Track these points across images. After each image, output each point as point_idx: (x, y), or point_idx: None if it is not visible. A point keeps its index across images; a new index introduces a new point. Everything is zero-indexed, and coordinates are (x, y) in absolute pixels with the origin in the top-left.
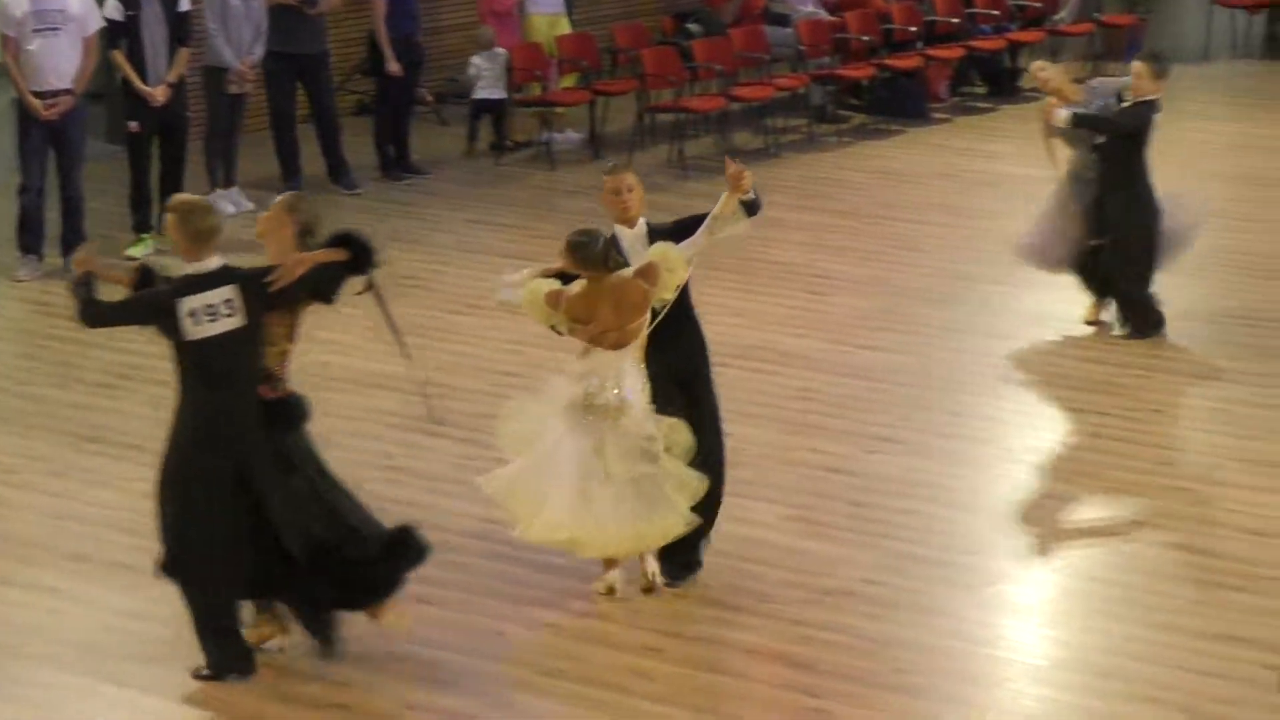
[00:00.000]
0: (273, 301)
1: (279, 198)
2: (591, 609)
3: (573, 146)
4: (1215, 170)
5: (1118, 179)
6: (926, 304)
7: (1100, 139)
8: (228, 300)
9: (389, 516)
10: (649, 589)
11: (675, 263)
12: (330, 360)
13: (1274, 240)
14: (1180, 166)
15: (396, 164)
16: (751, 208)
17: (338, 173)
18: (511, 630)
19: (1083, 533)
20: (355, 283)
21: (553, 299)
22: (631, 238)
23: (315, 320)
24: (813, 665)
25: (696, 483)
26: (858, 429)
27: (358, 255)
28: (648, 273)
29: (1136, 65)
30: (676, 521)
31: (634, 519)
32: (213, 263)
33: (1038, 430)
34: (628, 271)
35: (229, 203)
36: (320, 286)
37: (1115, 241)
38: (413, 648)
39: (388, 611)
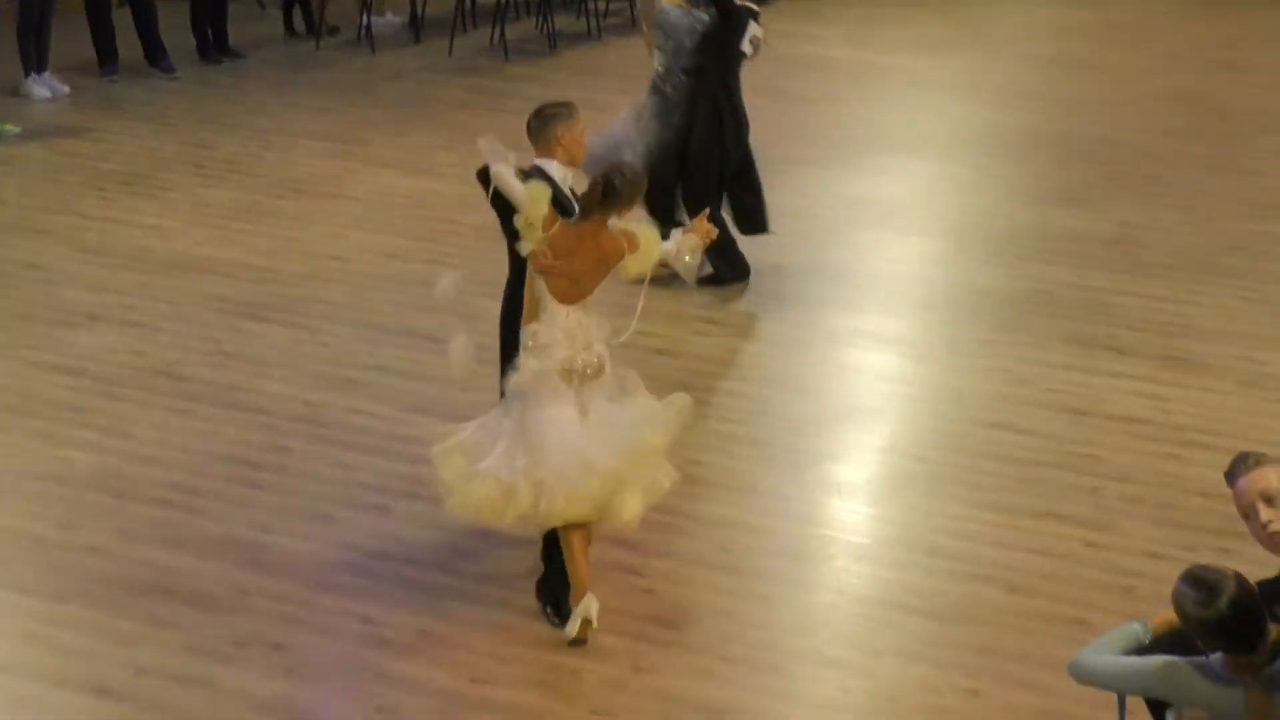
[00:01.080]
0: None
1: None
2: (420, 491)
3: (393, 30)
4: (1036, 53)
5: (699, 99)
6: None
7: (689, 64)
8: None
9: (214, 400)
10: (581, 640)
11: (652, 251)
12: (154, 245)
13: (1093, 121)
14: (1001, 49)
15: (214, 47)
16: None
17: (154, 56)
18: (339, 513)
19: (906, 412)
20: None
21: (549, 218)
22: (562, 176)
23: (137, 203)
24: (639, 545)
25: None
26: (682, 311)
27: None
28: (631, 239)
29: None
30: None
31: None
32: None
33: (862, 312)
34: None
35: (44, 88)
36: None
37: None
38: (242, 531)
39: None
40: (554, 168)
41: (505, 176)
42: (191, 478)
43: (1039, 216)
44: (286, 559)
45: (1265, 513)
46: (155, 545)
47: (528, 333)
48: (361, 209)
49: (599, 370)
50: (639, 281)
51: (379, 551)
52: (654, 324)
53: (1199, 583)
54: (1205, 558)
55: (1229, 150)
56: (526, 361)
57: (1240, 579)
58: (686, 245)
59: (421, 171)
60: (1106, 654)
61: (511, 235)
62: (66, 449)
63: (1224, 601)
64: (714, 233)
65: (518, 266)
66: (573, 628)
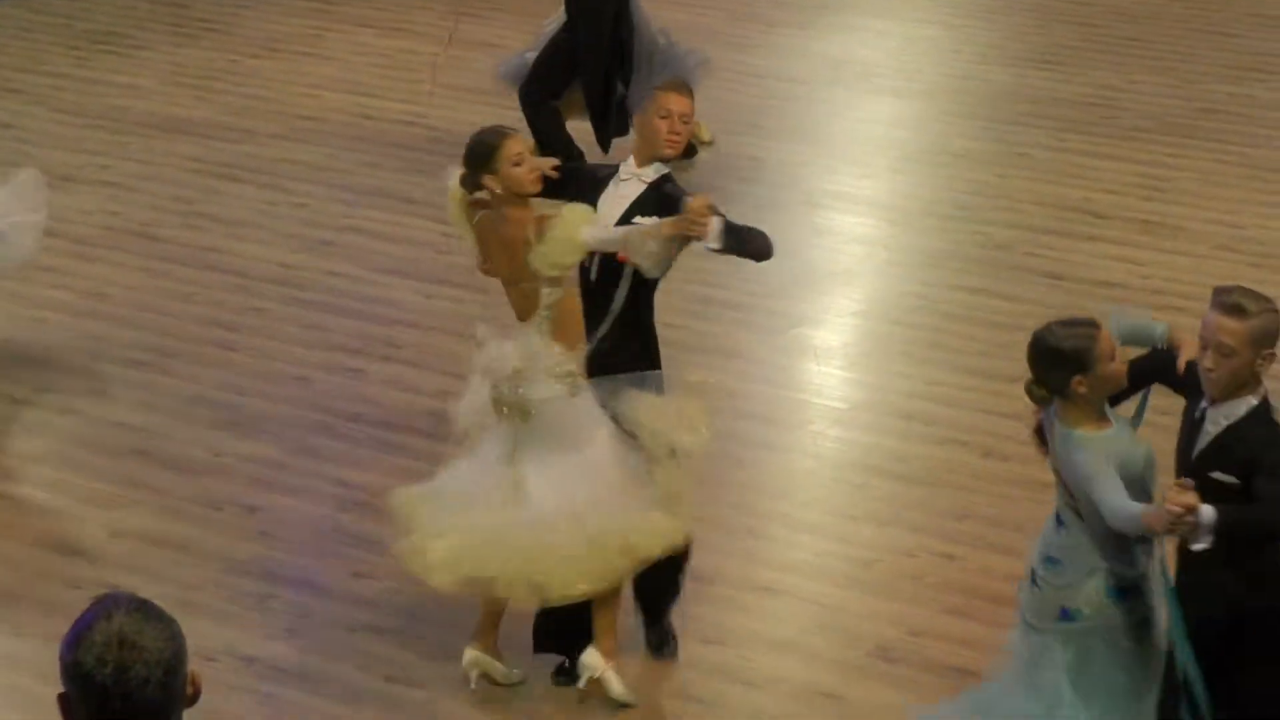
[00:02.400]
0: None
1: None
2: (395, 354)
3: None
4: None
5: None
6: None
7: None
8: None
9: (189, 261)
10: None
11: (573, 230)
12: (130, 104)
13: None
14: None
15: None
16: (730, 243)
17: None
18: (314, 376)
19: (883, 276)
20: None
21: (476, 204)
22: (617, 195)
23: (111, 63)
24: None
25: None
26: None
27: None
28: (538, 222)
29: None
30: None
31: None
32: None
33: (838, 175)
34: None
35: None
36: None
37: None
38: (216, 392)
39: None
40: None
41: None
42: (166, 339)
43: (1016, 78)
44: (261, 421)
45: (1213, 359)
46: (130, 407)
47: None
48: (337, 69)
49: (520, 410)
50: (554, 283)
51: (354, 414)
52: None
53: (1066, 321)
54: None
55: (1207, 12)
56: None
57: (1061, 344)
58: (651, 231)
59: (398, 30)
60: (1119, 326)
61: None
62: (40, 310)
63: (1040, 333)
64: (706, 214)
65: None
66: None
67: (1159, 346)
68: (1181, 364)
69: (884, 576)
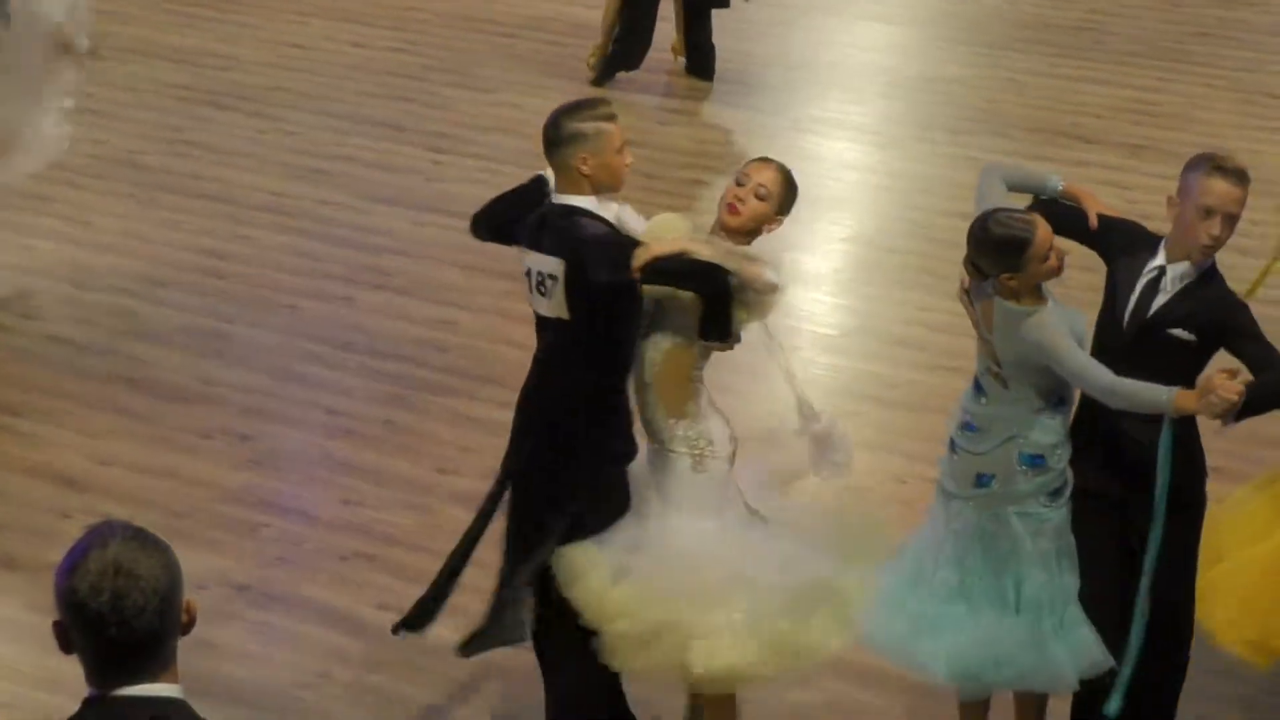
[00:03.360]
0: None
1: None
2: (385, 283)
3: None
4: None
5: None
6: None
7: None
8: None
9: (177, 189)
10: None
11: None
12: (115, 30)
13: None
14: None
15: None
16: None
17: None
18: (304, 304)
19: (873, 202)
20: None
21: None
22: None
23: None
24: None
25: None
26: (650, 100)
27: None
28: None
29: None
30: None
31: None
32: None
33: (827, 100)
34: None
35: None
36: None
37: None
38: (205, 321)
39: None
40: (590, 204)
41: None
42: (154, 268)
43: (1007, 3)
44: (251, 350)
45: (1223, 229)
46: (118, 336)
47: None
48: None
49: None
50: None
51: (344, 342)
52: (618, 112)
53: (1013, 215)
54: None
55: None
56: (701, 458)
57: (1013, 234)
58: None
59: None
60: (1001, 178)
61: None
62: (28, 238)
63: (980, 224)
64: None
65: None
66: None
67: (1053, 197)
68: (1093, 219)
69: (878, 503)
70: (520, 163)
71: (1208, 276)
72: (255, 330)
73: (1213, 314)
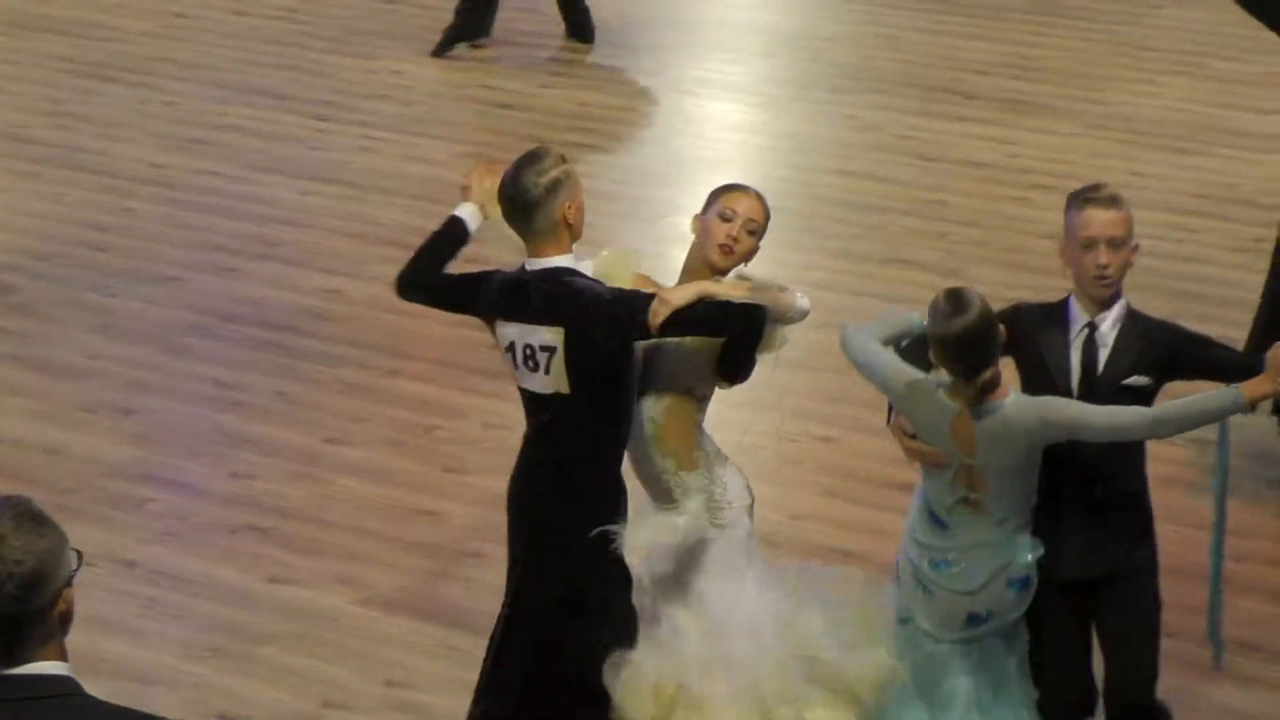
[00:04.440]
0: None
1: None
2: (271, 253)
3: None
4: None
5: None
6: None
7: None
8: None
9: (59, 162)
10: None
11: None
12: None
13: None
14: None
15: None
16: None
17: None
18: (189, 276)
19: (755, 161)
20: None
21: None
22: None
23: None
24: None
25: None
26: (529, 63)
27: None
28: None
29: None
30: None
31: None
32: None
33: (708, 61)
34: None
35: None
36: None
37: None
38: (89, 295)
39: None
40: (585, 265)
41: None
42: (37, 241)
43: None
44: (136, 323)
45: (1107, 255)
46: (0, 311)
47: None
48: None
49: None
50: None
51: (230, 314)
52: (498, 77)
53: (952, 297)
54: (1053, 298)
55: None
56: (718, 507)
57: (986, 313)
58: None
59: None
60: (871, 337)
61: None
62: None
63: (959, 323)
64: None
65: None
66: None
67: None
68: (1002, 332)
69: (767, 462)
70: (402, 128)
71: (1135, 317)
72: (140, 303)
73: (1161, 348)
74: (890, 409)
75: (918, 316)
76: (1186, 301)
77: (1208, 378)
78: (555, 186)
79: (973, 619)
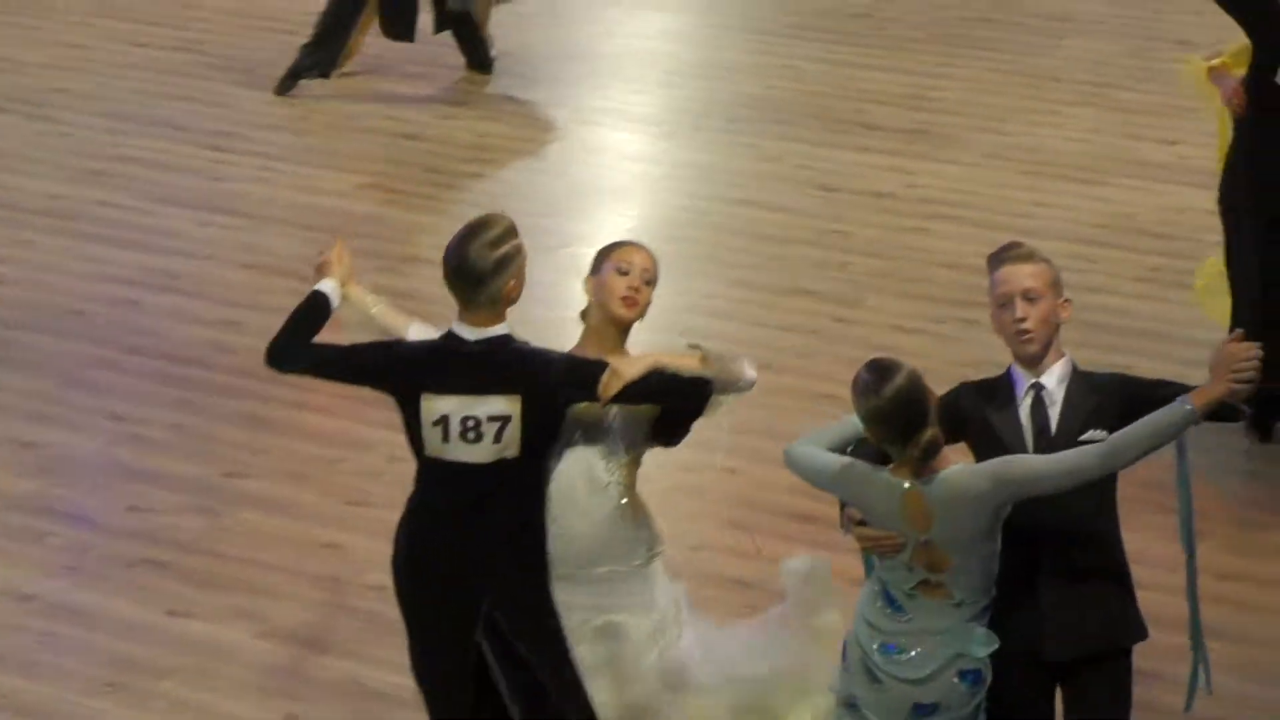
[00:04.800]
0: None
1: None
2: (173, 285)
3: None
4: None
5: None
6: None
7: None
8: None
9: None
10: None
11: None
12: None
13: None
14: None
15: None
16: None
17: None
18: (89, 308)
19: (655, 191)
20: None
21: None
22: None
23: None
24: None
25: None
26: (430, 94)
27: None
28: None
29: None
30: None
31: None
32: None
33: (608, 91)
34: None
35: None
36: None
37: None
38: None
39: None
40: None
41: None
42: None
43: None
44: (35, 356)
45: (1022, 308)
46: None
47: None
48: None
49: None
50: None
51: (131, 346)
52: (396, 107)
53: (874, 367)
54: (952, 329)
55: None
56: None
57: (914, 375)
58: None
59: None
60: (815, 445)
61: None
62: None
63: (888, 389)
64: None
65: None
66: None
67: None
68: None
69: (668, 492)
70: (300, 159)
71: (1080, 374)
72: (39, 336)
73: (1114, 399)
74: (842, 509)
75: (857, 420)
76: (1092, 331)
77: None
78: (505, 263)
79: (919, 709)
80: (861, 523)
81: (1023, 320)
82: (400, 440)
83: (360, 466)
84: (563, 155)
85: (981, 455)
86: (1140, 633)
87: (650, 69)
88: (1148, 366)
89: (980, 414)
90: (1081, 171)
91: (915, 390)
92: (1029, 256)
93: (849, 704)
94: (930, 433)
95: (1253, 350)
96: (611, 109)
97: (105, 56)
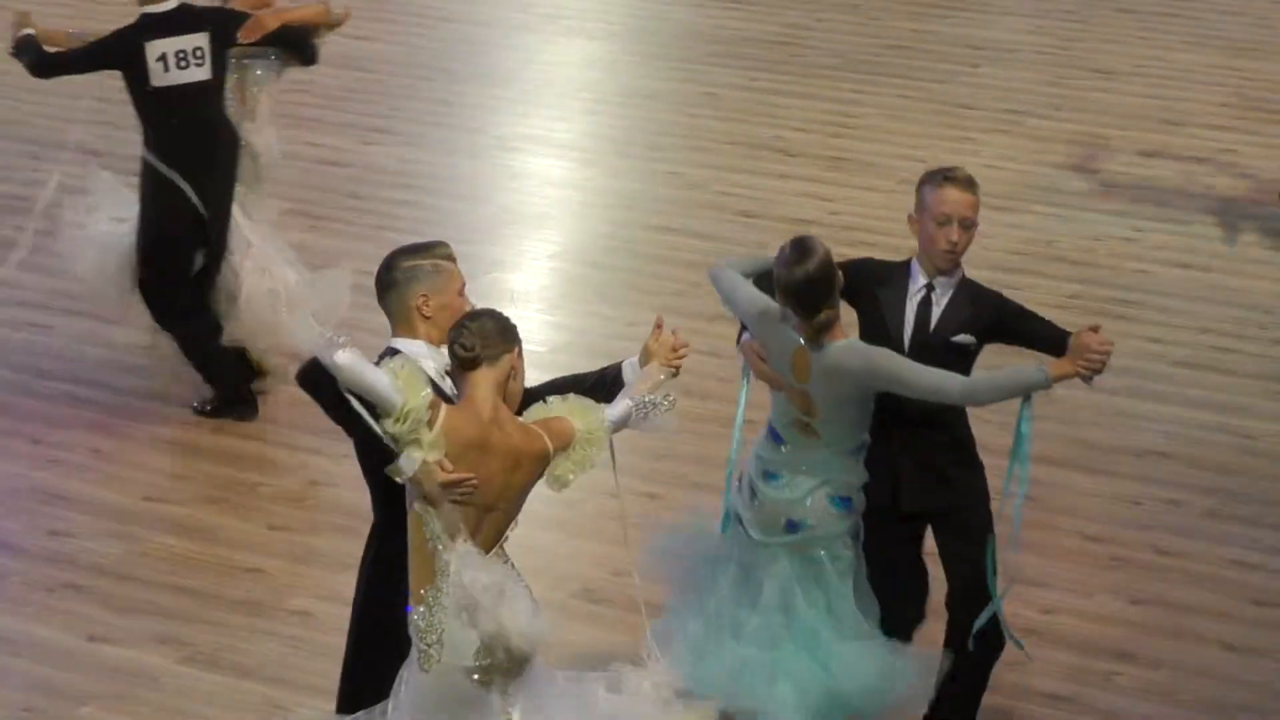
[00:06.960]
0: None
1: None
2: (85, 309)
3: None
4: None
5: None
6: None
7: None
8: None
9: None
10: None
11: (598, 435)
12: None
13: None
14: None
15: None
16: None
17: None
18: (1, 334)
19: (577, 218)
20: None
21: (433, 405)
22: (436, 363)
23: None
24: None
25: None
26: (353, 121)
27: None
28: (559, 432)
29: None
30: None
31: None
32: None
33: (530, 117)
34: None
35: None
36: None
37: None
38: None
39: None
40: (419, 348)
41: (355, 366)
42: None
43: (705, 18)
44: None
45: (958, 234)
46: None
47: (423, 607)
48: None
49: (520, 664)
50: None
51: (45, 370)
52: (319, 134)
53: (797, 245)
54: None
55: None
56: (427, 655)
57: (825, 262)
58: (647, 389)
59: None
60: (737, 272)
61: (378, 458)
62: None
63: (801, 270)
64: (679, 351)
65: (394, 512)
66: None
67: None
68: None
69: (590, 518)
70: None
71: (968, 283)
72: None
73: (989, 313)
74: (741, 331)
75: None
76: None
77: (1025, 345)
78: (413, 276)
79: (791, 525)
80: (763, 360)
81: (956, 244)
82: (320, 465)
83: (281, 491)
84: (485, 181)
85: (864, 325)
86: (984, 488)
87: (573, 96)
88: (1065, 393)
89: (873, 291)
90: (998, 199)
91: (824, 275)
92: (971, 185)
93: (738, 517)
94: (827, 313)
95: (1105, 344)
96: (534, 135)
97: (20, 80)
